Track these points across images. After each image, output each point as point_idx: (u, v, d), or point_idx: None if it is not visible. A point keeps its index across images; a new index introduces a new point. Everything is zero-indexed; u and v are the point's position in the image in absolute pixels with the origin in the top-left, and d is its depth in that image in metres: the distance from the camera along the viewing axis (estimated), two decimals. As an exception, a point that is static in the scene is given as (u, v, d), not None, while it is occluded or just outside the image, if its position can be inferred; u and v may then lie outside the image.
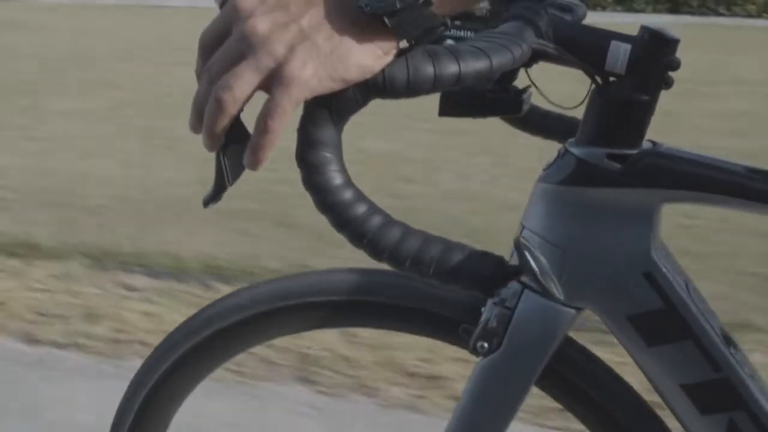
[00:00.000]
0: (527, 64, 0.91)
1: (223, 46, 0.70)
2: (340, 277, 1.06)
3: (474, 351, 0.97)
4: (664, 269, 0.91)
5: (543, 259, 0.75)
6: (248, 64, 0.67)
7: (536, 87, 0.98)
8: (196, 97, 0.71)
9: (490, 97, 0.92)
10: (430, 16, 0.68)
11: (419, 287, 1.03)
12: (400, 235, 0.72)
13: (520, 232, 0.95)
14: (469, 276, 0.72)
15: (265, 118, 0.67)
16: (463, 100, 0.92)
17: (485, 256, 0.72)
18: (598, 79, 0.90)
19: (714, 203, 0.90)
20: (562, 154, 0.93)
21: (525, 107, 0.94)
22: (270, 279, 1.11)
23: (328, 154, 0.71)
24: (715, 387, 0.93)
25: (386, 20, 0.67)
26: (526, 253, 0.72)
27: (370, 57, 0.69)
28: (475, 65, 0.72)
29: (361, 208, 0.72)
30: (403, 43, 0.71)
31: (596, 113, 0.91)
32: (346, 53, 0.68)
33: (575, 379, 1.00)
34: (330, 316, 1.07)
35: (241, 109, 0.70)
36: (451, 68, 0.71)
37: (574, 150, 0.92)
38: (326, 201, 0.71)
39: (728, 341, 0.94)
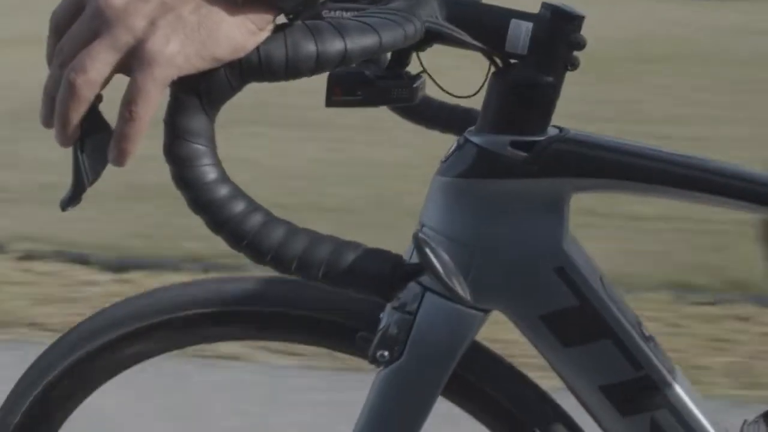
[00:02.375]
0: (419, 47, 0.83)
1: (75, 23, 0.60)
2: (219, 287, 0.96)
3: (374, 361, 0.89)
4: (577, 264, 0.84)
5: (446, 257, 0.67)
6: (103, 41, 0.59)
7: (428, 73, 0.90)
8: (47, 84, 0.62)
9: (381, 85, 0.83)
10: None
11: (310, 293, 0.94)
12: (284, 234, 0.63)
13: (420, 229, 0.87)
14: (364, 278, 0.64)
15: (128, 104, 0.59)
16: (352, 87, 0.83)
17: (380, 254, 0.64)
18: (498, 62, 0.82)
19: (630, 191, 0.84)
20: (462, 144, 0.85)
21: (419, 95, 0.85)
22: (156, 288, 1.01)
23: (200, 146, 0.62)
24: (637, 386, 0.87)
25: None
26: (427, 251, 0.64)
27: (242, 32, 0.60)
28: (362, 41, 0.64)
29: (239, 206, 0.63)
30: (282, 20, 0.63)
31: (497, 98, 0.83)
32: (216, 27, 0.59)
33: (483, 385, 0.93)
34: (210, 328, 0.97)
35: (99, 98, 0.61)
36: (335, 45, 0.62)
37: (475, 139, 0.84)
38: (199, 199, 0.62)
39: (645, 336, 0.88)
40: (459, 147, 0.85)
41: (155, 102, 0.59)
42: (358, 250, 0.64)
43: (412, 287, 0.87)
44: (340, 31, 0.63)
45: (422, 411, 0.90)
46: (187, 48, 0.58)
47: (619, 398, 0.87)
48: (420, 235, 0.66)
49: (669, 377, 0.87)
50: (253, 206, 0.64)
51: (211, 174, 0.62)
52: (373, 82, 0.82)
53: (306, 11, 0.62)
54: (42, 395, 1.01)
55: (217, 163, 0.63)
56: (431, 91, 0.93)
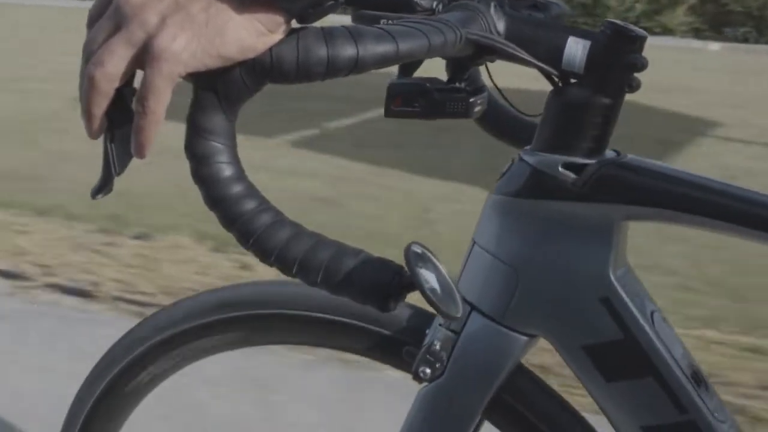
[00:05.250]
0: (475, 61, 0.82)
1: (101, 20, 0.63)
2: (276, 290, 0.98)
3: (416, 377, 0.88)
4: (624, 295, 0.81)
5: (440, 274, 0.65)
6: (120, 36, 0.61)
7: (497, 87, 0.89)
8: (80, 79, 0.64)
9: (438, 98, 0.82)
10: None
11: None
12: (289, 236, 0.64)
13: (471, 248, 0.86)
14: (361, 285, 0.63)
15: (140, 99, 0.61)
16: (410, 98, 0.83)
17: (381, 264, 0.63)
18: (557, 80, 0.80)
19: (684, 223, 0.79)
20: (515, 163, 0.83)
21: (476, 110, 0.84)
22: (210, 290, 1.04)
23: (217, 144, 0.63)
24: (679, 430, 0.82)
25: None
26: (415, 265, 0.63)
27: (251, 32, 0.61)
28: (376, 48, 0.64)
29: (250, 204, 0.64)
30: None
31: (553, 118, 0.81)
32: (223, 26, 0.60)
33: (525, 412, 0.90)
34: (267, 329, 0.98)
35: (129, 91, 0.63)
36: (347, 51, 0.63)
37: (528, 158, 0.82)
38: (213, 195, 0.64)
39: (698, 380, 0.83)
40: (513, 165, 0.84)
41: (164, 96, 0.61)
42: (359, 257, 0.64)
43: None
44: (354, 37, 0.63)
45: (461, 430, 0.89)
46: (194, 45, 0.60)
47: None
48: (412, 248, 0.65)
49: (717, 427, 0.82)
50: (265, 206, 0.64)
51: (226, 171, 0.63)
52: (431, 94, 0.82)
53: (316, 14, 0.62)
54: (115, 380, 1.06)
55: (234, 162, 0.64)
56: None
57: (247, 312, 0.98)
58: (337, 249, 0.64)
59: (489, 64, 0.88)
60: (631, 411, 0.83)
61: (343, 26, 0.64)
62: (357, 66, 0.63)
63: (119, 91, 0.63)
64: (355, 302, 0.65)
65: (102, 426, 1.10)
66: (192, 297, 1.03)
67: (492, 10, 0.80)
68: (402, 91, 0.81)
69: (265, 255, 0.64)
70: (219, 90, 0.63)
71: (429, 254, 0.66)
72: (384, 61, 0.65)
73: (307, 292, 0.95)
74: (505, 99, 1.00)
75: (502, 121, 1.02)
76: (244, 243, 0.65)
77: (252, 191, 0.65)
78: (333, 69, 0.63)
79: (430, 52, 0.69)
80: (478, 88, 0.85)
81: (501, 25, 0.80)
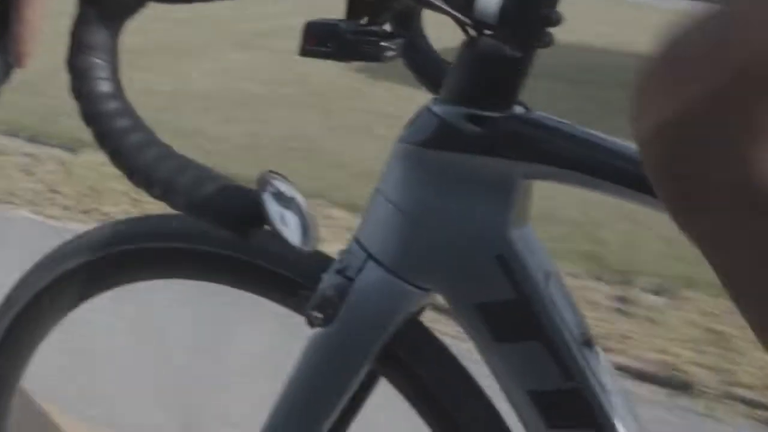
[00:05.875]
0: (386, 2, 0.79)
1: None
2: (181, 224, 0.95)
3: (308, 320, 0.86)
4: (520, 255, 0.79)
5: (297, 204, 0.65)
6: None
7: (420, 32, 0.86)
8: None
9: (350, 39, 0.80)
10: None
11: (268, 243, 0.92)
12: (157, 156, 0.63)
13: (373, 196, 0.84)
14: (218, 211, 0.62)
15: (19, 9, 0.59)
16: (323, 38, 0.80)
17: (240, 191, 0.63)
18: (470, 30, 0.78)
19: (584, 185, 0.77)
20: (422, 112, 0.81)
21: (388, 55, 0.81)
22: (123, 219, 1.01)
23: (96, 60, 0.63)
24: (564, 398, 0.81)
25: None
26: (263, 195, 0.62)
27: None
28: None
29: (124, 122, 0.63)
30: None
31: (462, 68, 0.79)
32: None
33: (415, 367, 0.88)
34: (170, 264, 0.96)
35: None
36: None
37: (435, 108, 0.80)
38: (88, 110, 0.63)
39: (588, 347, 0.82)
40: (420, 114, 0.81)
41: (40, 5, 0.59)
42: (219, 182, 0.63)
43: (358, 253, 0.84)
44: None
45: (348, 378, 0.87)
46: None
47: (546, 407, 0.81)
48: (263, 176, 0.63)
49: (602, 396, 0.81)
50: (137, 126, 0.64)
51: (103, 87, 0.63)
52: (344, 36, 0.79)
53: None
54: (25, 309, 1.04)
55: (113, 78, 0.63)
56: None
57: (148, 245, 0.96)
58: (200, 173, 0.63)
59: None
60: (518, 374, 0.82)
61: None
62: None
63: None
64: (215, 227, 0.64)
65: (12, 354, 1.08)
66: (97, 227, 1.01)
67: None
68: (316, 30, 0.79)
69: (132, 173, 0.64)
70: (99, 4, 0.61)
71: (284, 181, 0.65)
72: None
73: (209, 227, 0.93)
74: (428, 44, 0.98)
75: (427, 67, 1.00)
76: (113, 160, 0.64)
77: (127, 109, 0.64)
78: None
79: None
80: (392, 34, 0.82)
81: None
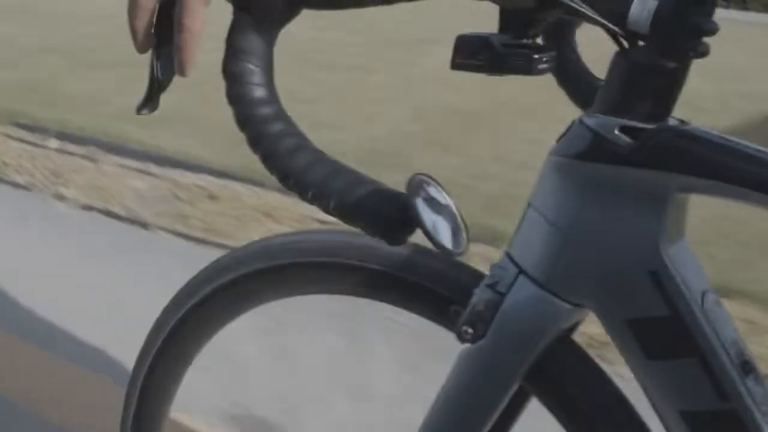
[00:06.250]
0: (541, 14, 0.79)
1: None
2: (341, 240, 0.97)
3: (459, 336, 0.86)
4: (673, 271, 0.77)
5: (447, 207, 0.64)
6: None
7: (568, 47, 0.86)
8: None
9: (501, 52, 0.80)
10: None
11: (416, 258, 0.93)
12: (309, 161, 0.64)
13: (526, 210, 0.84)
14: (369, 216, 0.63)
15: (177, 16, 0.64)
16: (474, 51, 0.81)
17: (392, 195, 0.63)
18: (623, 41, 0.77)
19: (744, 199, 0.75)
20: (576, 124, 0.81)
21: (540, 68, 0.82)
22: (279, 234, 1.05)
23: (251, 66, 0.65)
24: (720, 419, 0.78)
25: None
26: (416, 201, 0.62)
27: None
28: None
29: (277, 126, 0.65)
30: None
31: (615, 80, 0.78)
32: None
33: (565, 384, 0.87)
34: (326, 279, 0.98)
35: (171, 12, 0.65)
36: None
37: (587, 120, 0.79)
38: (242, 114, 0.66)
39: (747, 370, 0.78)
40: (572, 127, 0.81)
41: (198, 13, 0.63)
42: (371, 186, 0.63)
43: (509, 268, 0.84)
44: None
45: (498, 394, 0.87)
46: None
47: (698, 428, 0.79)
48: (415, 179, 0.63)
49: (760, 420, 0.77)
50: (291, 130, 0.65)
51: (257, 92, 0.65)
52: (494, 48, 0.80)
53: None
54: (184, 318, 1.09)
55: (267, 84, 0.66)
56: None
57: (309, 260, 0.99)
58: (352, 178, 0.64)
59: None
60: (671, 393, 0.80)
61: None
62: None
63: (166, 11, 0.65)
64: (365, 232, 0.64)
65: (172, 362, 1.13)
66: (258, 241, 1.04)
67: None
68: (467, 43, 0.80)
69: (285, 178, 0.65)
70: (253, 10, 0.64)
71: (435, 185, 0.65)
72: None
73: (367, 244, 0.95)
74: (579, 59, 0.98)
75: (576, 82, 1.00)
76: (267, 165, 0.66)
77: (280, 114, 0.66)
78: None
79: None
80: (544, 47, 0.82)
81: None
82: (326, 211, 0.65)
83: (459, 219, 0.66)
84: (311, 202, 0.65)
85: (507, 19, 0.81)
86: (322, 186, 0.64)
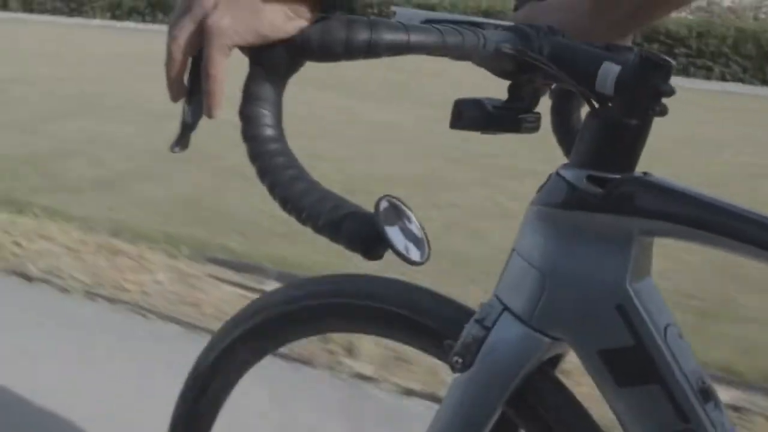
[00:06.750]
0: (521, 78, 0.90)
1: (178, 3, 0.78)
2: (348, 281, 1.08)
3: (451, 366, 0.96)
4: (638, 304, 0.86)
5: (411, 223, 0.75)
6: (187, 16, 0.75)
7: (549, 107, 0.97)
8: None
9: (493, 113, 0.91)
10: None
11: (414, 296, 1.03)
12: (305, 189, 0.75)
13: (510, 255, 0.94)
14: (348, 234, 0.73)
15: (203, 66, 0.75)
16: (469, 112, 0.92)
17: (367, 217, 0.73)
18: (593, 102, 0.87)
19: (700, 241, 0.84)
20: (553, 176, 0.91)
21: (528, 127, 0.93)
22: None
23: (263, 110, 0.76)
24: None
25: None
26: (380, 219, 0.72)
27: (281, 16, 0.74)
28: (387, 36, 0.75)
29: (280, 160, 0.76)
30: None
31: (586, 135, 0.88)
32: (259, 10, 0.74)
33: (543, 413, 0.96)
34: (339, 317, 1.09)
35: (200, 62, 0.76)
36: (362, 35, 0.74)
37: (563, 172, 0.89)
38: (254, 150, 0.77)
39: (706, 397, 0.87)
40: (550, 179, 0.91)
41: (221, 64, 0.74)
42: (349, 209, 0.73)
43: (496, 305, 0.94)
44: (371, 25, 0.75)
45: (484, 419, 0.96)
46: (238, 24, 0.73)
47: None
48: (381, 202, 0.73)
49: None
50: (292, 163, 0.77)
51: (268, 132, 0.77)
52: (487, 110, 0.91)
53: (340, 6, 0.74)
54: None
55: (276, 125, 0.77)
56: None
57: (324, 301, 1.09)
58: (336, 203, 0.74)
59: None
60: (639, 417, 0.88)
61: (365, 16, 0.76)
62: (370, 49, 0.75)
63: (196, 62, 0.77)
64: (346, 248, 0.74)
65: (215, 393, 1.23)
66: (289, 285, 1.15)
67: (540, 34, 0.88)
68: (464, 106, 0.91)
69: (284, 203, 0.76)
70: (265, 64, 0.76)
71: (400, 204, 0.75)
72: (395, 47, 0.76)
73: (372, 286, 1.06)
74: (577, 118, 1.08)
75: (567, 135, 1.10)
76: (272, 192, 0.77)
77: (285, 150, 0.77)
78: (350, 50, 0.75)
79: (448, 50, 0.79)
80: (530, 108, 0.93)
81: (547, 50, 0.88)
82: (315, 230, 0.75)
83: (421, 232, 0.76)
84: (304, 223, 0.75)
85: (509, 89, 0.92)
86: (312, 209, 0.74)
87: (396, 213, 0.74)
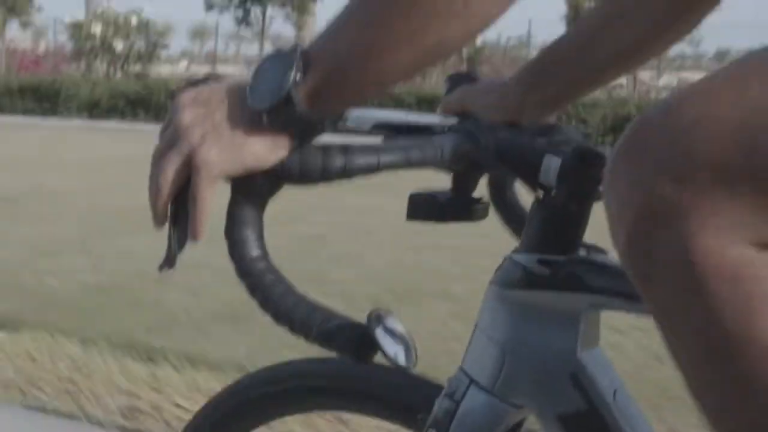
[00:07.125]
0: (470, 174, 1.01)
1: (162, 135, 0.85)
2: (327, 365, 1.17)
3: None
4: (590, 372, 0.96)
5: (398, 338, 0.83)
6: (174, 149, 0.82)
7: (491, 198, 1.08)
8: (149, 181, 0.85)
9: (445, 205, 1.02)
10: (304, 115, 0.79)
11: (388, 377, 1.13)
12: (294, 302, 0.83)
13: (473, 332, 1.04)
14: (340, 342, 0.81)
15: (191, 195, 0.82)
16: (423, 206, 1.02)
17: (357, 327, 0.81)
18: (539, 191, 0.98)
19: (641, 311, 0.94)
20: (507, 260, 1.01)
21: (479, 215, 1.03)
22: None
23: (247, 232, 0.84)
24: None
25: (264, 117, 0.80)
26: (376, 330, 0.80)
27: (263, 148, 0.81)
28: (360, 161, 0.84)
29: (269, 278, 0.83)
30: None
31: (534, 221, 0.99)
32: (242, 143, 0.81)
33: None
34: (311, 400, 1.18)
35: (187, 189, 0.83)
36: (337, 161, 0.83)
37: (515, 256, 1.00)
38: (241, 269, 0.84)
39: None
40: (504, 262, 1.01)
41: (208, 193, 0.81)
42: (339, 320, 0.82)
43: (463, 379, 1.03)
44: (344, 151, 0.83)
45: None
46: (224, 156, 0.80)
47: None
48: (373, 315, 0.82)
49: None
50: (279, 279, 0.84)
51: (253, 252, 0.84)
52: (439, 203, 1.02)
53: (312, 136, 0.82)
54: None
55: (260, 245, 0.84)
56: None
57: (308, 383, 1.18)
58: (325, 315, 0.82)
59: None
60: None
61: (338, 144, 0.85)
62: (345, 173, 0.84)
63: (179, 193, 0.83)
64: (338, 354, 0.82)
65: None
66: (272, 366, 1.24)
67: (486, 132, 0.98)
68: (418, 200, 1.02)
69: (276, 317, 0.83)
70: (248, 190, 0.84)
71: (390, 315, 0.83)
72: (368, 169, 0.85)
73: (353, 369, 1.15)
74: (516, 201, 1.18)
75: (513, 219, 1.19)
76: (262, 308, 0.84)
77: (271, 268, 0.84)
78: (327, 175, 0.83)
79: (412, 164, 0.88)
80: (478, 199, 1.04)
81: (492, 146, 0.98)
82: (308, 340, 0.83)
83: (409, 340, 0.84)
84: (296, 334, 0.83)
85: (455, 180, 1.02)
86: (303, 321, 0.82)
87: (386, 322, 0.82)
